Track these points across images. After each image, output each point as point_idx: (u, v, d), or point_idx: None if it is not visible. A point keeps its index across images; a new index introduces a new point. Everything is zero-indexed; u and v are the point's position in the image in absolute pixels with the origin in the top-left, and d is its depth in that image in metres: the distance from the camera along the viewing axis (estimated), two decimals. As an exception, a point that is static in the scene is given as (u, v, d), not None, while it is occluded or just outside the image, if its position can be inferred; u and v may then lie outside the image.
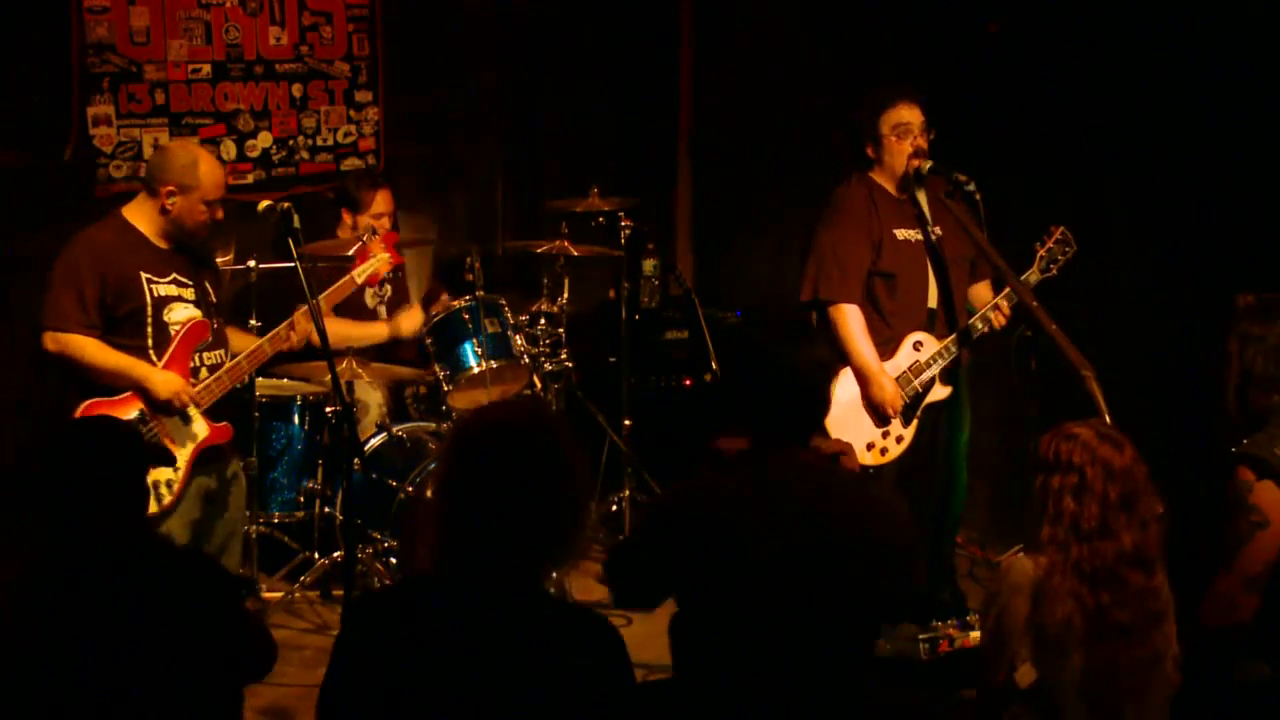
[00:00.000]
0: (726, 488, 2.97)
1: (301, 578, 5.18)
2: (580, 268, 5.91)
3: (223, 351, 4.55)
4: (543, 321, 5.71)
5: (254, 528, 5.15)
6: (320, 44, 6.20)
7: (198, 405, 4.40)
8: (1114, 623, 3.07)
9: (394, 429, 5.38)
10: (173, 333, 4.39)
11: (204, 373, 4.45)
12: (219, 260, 5.36)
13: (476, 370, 5.30)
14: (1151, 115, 5.38)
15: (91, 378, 4.30)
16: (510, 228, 6.81)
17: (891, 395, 4.65)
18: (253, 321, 4.96)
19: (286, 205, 4.21)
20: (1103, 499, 3.07)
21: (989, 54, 5.85)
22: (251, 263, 5.06)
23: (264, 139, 6.10)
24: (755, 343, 3.10)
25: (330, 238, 5.56)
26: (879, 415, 4.69)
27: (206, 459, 4.50)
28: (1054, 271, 4.81)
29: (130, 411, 4.29)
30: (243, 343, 4.68)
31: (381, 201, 5.66)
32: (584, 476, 2.50)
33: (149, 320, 4.35)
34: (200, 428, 4.45)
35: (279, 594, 5.18)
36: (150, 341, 4.37)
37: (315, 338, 4.34)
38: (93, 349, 4.29)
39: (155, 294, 4.37)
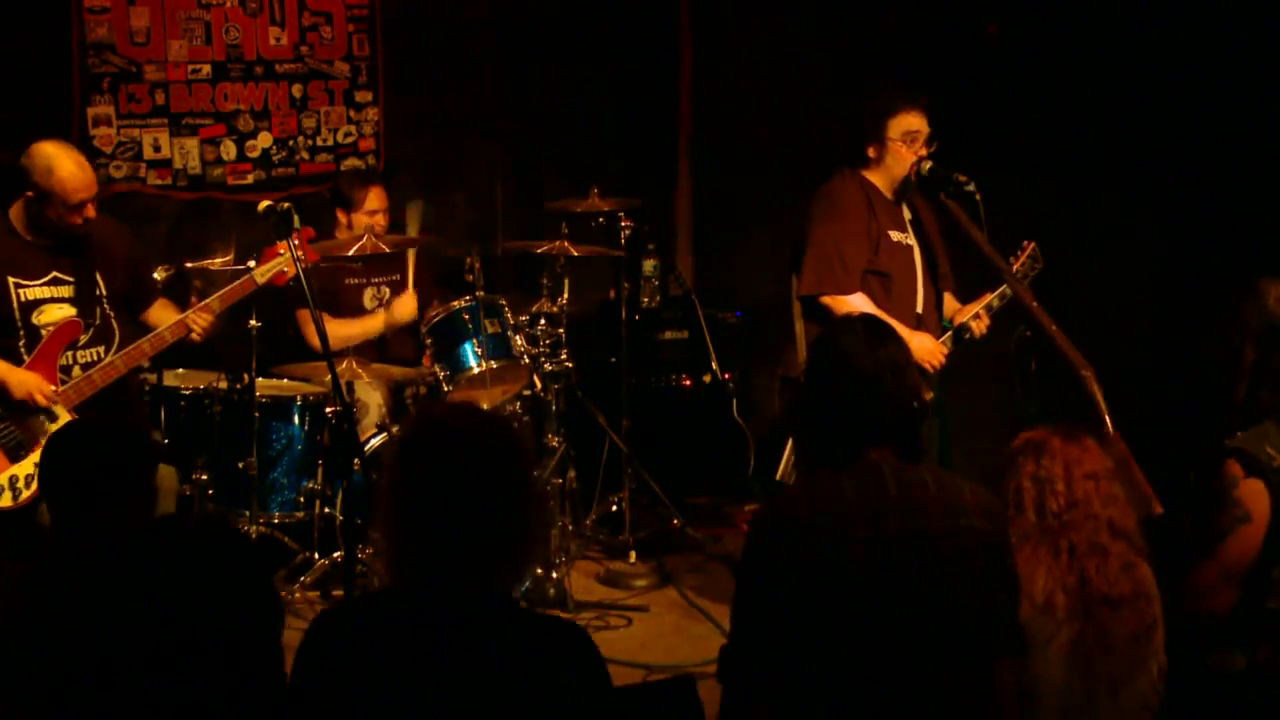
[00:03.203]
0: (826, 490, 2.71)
1: (301, 578, 5.17)
2: (580, 268, 5.90)
3: (102, 348, 4.54)
4: (543, 321, 5.70)
5: (254, 528, 5.15)
6: (320, 44, 6.20)
7: (62, 404, 4.38)
8: (1099, 594, 3.00)
9: (394, 429, 5.38)
10: (44, 334, 4.43)
11: (76, 371, 4.46)
12: (218, 261, 5.35)
13: (476, 370, 5.29)
14: (1150, 114, 5.38)
15: None
16: (510, 228, 6.80)
17: (933, 346, 4.62)
18: (252, 321, 4.96)
19: (286, 205, 4.22)
20: (1066, 478, 3.06)
21: (988, 54, 5.86)
22: (251, 263, 5.05)
23: (264, 139, 6.10)
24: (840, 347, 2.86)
25: (329, 239, 5.56)
26: (925, 372, 4.50)
27: None
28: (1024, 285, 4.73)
29: None
30: (167, 319, 4.64)
31: (374, 198, 5.63)
32: (535, 475, 2.45)
33: (18, 323, 4.41)
34: None
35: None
36: (22, 343, 4.42)
37: (196, 326, 4.45)
38: None
39: (23, 298, 4.42)
